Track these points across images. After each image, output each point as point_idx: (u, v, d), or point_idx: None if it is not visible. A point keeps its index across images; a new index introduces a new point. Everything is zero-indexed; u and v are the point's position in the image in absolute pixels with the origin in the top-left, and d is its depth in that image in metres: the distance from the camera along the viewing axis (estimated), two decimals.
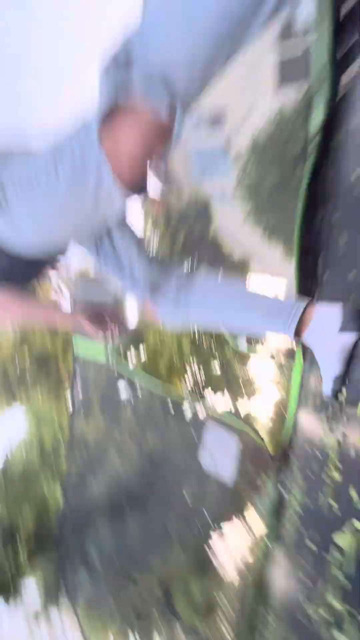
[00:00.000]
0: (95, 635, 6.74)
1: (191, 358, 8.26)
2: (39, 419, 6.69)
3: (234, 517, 8.60)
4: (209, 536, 6.97)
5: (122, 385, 6.54)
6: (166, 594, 6.13)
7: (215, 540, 7.28)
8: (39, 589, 6.21)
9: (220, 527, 7.60)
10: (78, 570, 4.46)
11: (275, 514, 2.71)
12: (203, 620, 6.76)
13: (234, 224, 11.93)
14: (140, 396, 6.38)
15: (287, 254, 9.33)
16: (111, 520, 4.40)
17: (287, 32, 8.28)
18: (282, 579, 2.19)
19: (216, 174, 11.20)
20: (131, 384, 7.22)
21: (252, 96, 9.43)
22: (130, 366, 6.71)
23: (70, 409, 4.57)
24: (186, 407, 7.65)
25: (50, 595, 5.91)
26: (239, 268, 7.74)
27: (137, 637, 6.25)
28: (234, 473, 2.78)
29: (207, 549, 6.77)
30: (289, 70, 8.78)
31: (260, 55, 8.70)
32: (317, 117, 1.71)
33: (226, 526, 8.15)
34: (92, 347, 4.09)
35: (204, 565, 6.27)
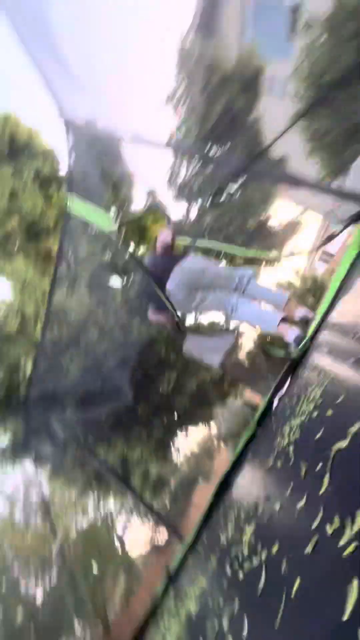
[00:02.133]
0: (59, 489, 7.59)
1: None
2: (22, 286, 6.25)
3: (200, 423, 9.20)
4: (174, 432, 7.49)
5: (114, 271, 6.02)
6: (125, 469, 6.70)
7: (179, 437, 7.91)
8: (7, 445, 6.57)
9: (186, 428, 8.18)
10: (42, 440, 4.52)
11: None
12: (152, 494, 7.67)
13: (277, 119, 10.17)
14: (135, 282, 5.96)
15: (327, 175, 8.11)
16: (80, 397, 4.29)
17: None
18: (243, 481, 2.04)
19: (272, 46, 9.02)
20: (126, 270, 6.74)
21: None
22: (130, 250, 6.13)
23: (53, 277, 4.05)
24: None
25: (16, 454, 6.24)
26: (276, 166, 6.65)
27: (96, 496, 7.11)
28: (222, 354, 2.47)
29: (171, 442, 7.34)
30: None
31: None
32: None
33: (192, 429, 8.80)
34: (96, 213, 3.34)
35: (164, 454, 6.82)
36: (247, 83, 5.98)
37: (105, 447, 5.01)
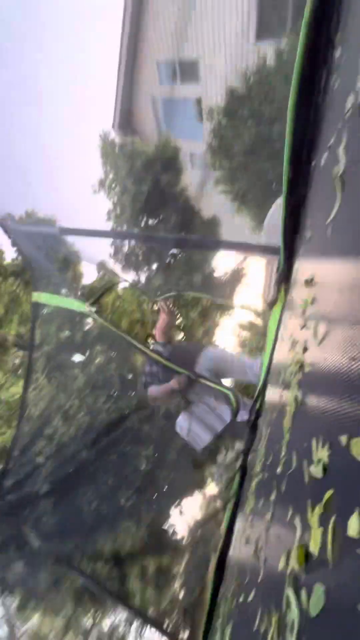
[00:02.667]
0: (40, 621, 6.26)
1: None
2: None
3: (195, 491, 8.44)
4: (166, 512, 6.74)
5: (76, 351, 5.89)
6: (118, 574, 5.78)
7: (174, 517, 7.10)
8: None
9: (179, 504, 7.40)
10: (11, 558, 3.82)
11: (239, 483, 2.33)
12: (157, 595, 6.59)
13: (202, 187, 11.43)
14: (96, 359, 5.78)
15: (255, 227, 9.02)
16: (54, 496, 3.81)
17: None
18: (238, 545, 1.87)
19: (186, 131, 10.50)
20: (85, 343, 6.58)
21: (229, 49, 8.76)
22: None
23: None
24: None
25: None
26: (208, 228, 7.26)
27: (92, 620, 5.91)
28: (206, 443, 2.39)
29: (165, 523, 6.54)
30: (269, 25, 8.22)
31: (240, 6, 8.02)
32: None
33: (186, 501, 8.01)
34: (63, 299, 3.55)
35: (159, 540, 6.03)
36: (168, 163, 6.79)
37: (89, 554, 4.33)
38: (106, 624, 7.12)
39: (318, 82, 1.50)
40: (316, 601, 0.53)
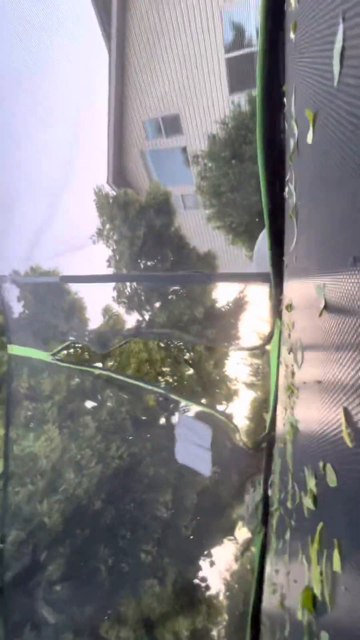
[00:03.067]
0: None
1: (161, 363, 7.72)
2: None
3: (223, 540, 7.83)
4: (195, 565, 6.19)
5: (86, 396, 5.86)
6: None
7: (205, 569, 6.50)
8: None
9: (209, 553, 6.82)
10: (24, 636, 3.44)
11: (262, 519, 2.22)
12: None
13: (196, 225, 11.92)
14: (105, 403, 5.70)
15: (251, 257, 9.28)
16: (68, 559, 3.57)
17: (235, 45, 8.60)
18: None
19: (176, 177, 11.17)
20: (95, 390, 6.54)
21: (205, 101, 9.59)
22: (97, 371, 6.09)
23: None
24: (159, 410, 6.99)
25: None
26: (205, 262, 7.46)
27: None
28: (210, 463, 2.31)
29: (194, 579, 5.98)
30: (238, 79, 9.05)
31: (212, 63, 8.91)
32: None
33: (216, 550, 7.40)
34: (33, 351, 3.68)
35: (190, 599, 5.43)
36: (160, 207, 7.18)
37: (112, 622, 3.88)
38: None
39: (278, 124, 1.64)
40: None
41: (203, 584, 6.36)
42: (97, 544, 3.83)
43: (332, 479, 0.44)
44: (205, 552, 6.30)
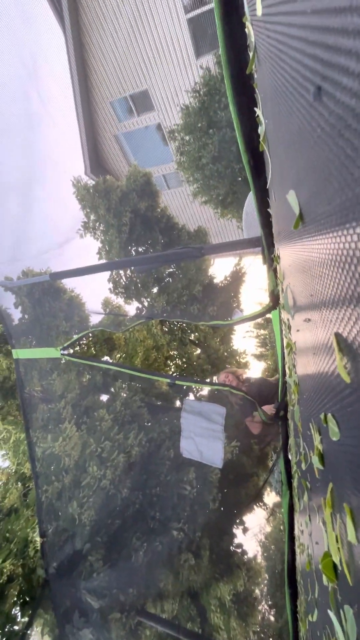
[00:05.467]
0: None
1: (168, 348, 7.67)
2: (14, 447, 5.82)
3: (254, 507, 7.99)
4: (231, 534, 6.35)
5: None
6: (197, 610, 5.42)
7: (239, 536, 6.67)
8: None
9: (241, 522, 7.00)
10: (78, 624, 3.58)
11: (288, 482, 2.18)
12: (242, 621, 6.11)
13: (183, 203, 11.60)
14: (119, 394, 5.71)
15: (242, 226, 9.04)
16: (104, 547, 3.65)
17: (195, 2, 8.04)
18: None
19: (155, 157, 10.79)
20: (107, 383, 6.55)
21: (172, 70, 9.09)
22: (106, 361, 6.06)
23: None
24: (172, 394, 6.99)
25: None
26: (197, 240, 7.27)
27: None
28: (221, 452, 2.22)
29: (232, 548, 6.15)
30: (204, 40, 8.52)
31: (173, 27, 8.37)
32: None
33: (248, 518, 7.55)
34: (40, 350, 3.61)
35: (230, 566, 5.62)
36: (142, 190, 6.93)
37: (154, 598, 4.04)
38: None
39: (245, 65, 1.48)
40: (351, 627, 0.42)
41: (239, 550, 6.57)
42: (130, 529, 3.92)
43: (334, 431, 0.36)
44: (237, 521, 6.48)
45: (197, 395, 7.87)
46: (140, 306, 8.18)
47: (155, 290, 7.25)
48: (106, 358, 8.36)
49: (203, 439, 2.53)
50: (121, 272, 7.44)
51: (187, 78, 9.16)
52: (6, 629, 3.84)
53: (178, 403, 7.35)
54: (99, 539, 3.88)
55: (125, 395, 6.82)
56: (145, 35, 8.46)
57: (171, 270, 7.48)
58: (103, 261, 8.17)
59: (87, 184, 6.65)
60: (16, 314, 6.72)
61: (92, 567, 3.60)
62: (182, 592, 4.55)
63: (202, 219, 11.90)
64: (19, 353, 3.31)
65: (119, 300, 8.26)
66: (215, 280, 7.82)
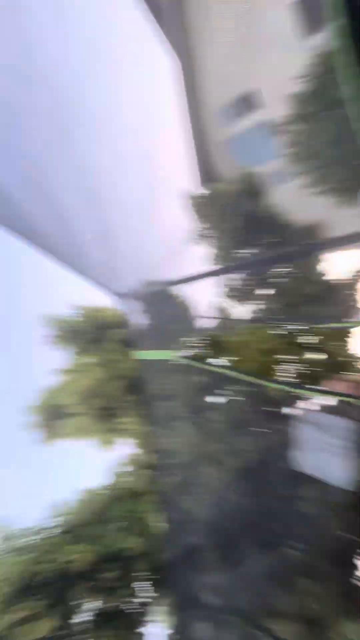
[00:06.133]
0: None
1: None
2: (142, 438, 6.57)
3: None
4: (354, 565, 5.51)
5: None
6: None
7: None
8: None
9: None
10: (190, 618, 3.72)
11: None
12: None
13: (296, 198, 10.80)
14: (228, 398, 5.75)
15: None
16: (220, 549, 3.70)
17: None
18: None
19: (265, 155, 10.46)
20: (220, 385, 6.68)
21: (276, 60, 8.64)
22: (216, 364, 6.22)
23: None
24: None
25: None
26: (314, 234, 6.69)
27: None
28: (350, 471, 1.94)
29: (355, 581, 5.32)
30: (311, 18, 7.80)
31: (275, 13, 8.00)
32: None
33: None
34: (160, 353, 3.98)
35: (355, 602, 4.84)
36: (252, 191, 6.82)
37: (269, 614, 3.84)
38: None
39: None
40: None
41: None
42: (244, 537, 3.88)
43: None
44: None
45: (308, 403, 7.20)
46: (255, 309, 8.06)
47: (271, 292, 7.02)
48: (219, 361, 8.54)
49: (327, 455, 2.30)
50: (235, 275, 7.49)
51: (294, 65, 8.56)
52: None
53: (293, 411, 6.89)
54: (213, 540, 3.99)
55: (238, 398, 6.82)
56: (248, 32, 8.32)
57: (287, 269, 7.11)
58: (218, 267, 8.39)
59: (201, 195, 6.99)
60: (138, 319, 7.59)
61: (208, 565, 3.73)
62: (301, 616, 4.20)
63: (318, 212, 10.83)
64: (142, 354, 3.72)
65: (232, 304, 8.34)
66: (336, 278, 7.02)
